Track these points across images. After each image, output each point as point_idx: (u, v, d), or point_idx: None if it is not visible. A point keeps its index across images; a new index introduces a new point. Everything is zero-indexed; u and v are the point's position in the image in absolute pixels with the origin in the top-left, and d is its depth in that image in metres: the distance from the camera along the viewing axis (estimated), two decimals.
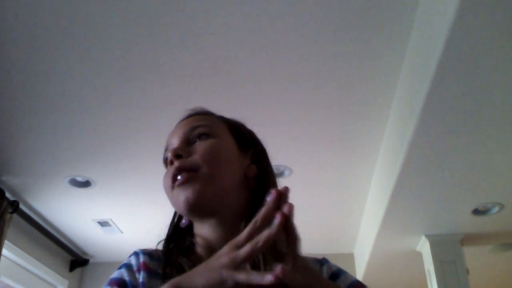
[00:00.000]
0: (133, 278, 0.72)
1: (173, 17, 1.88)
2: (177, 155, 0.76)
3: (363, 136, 2.61)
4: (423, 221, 2.87)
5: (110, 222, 3.50)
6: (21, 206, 3.09)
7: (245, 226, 0.66)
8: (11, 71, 2.14)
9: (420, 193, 2.53)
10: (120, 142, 2.64)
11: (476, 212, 2.74)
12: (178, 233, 0.83)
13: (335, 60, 2.09)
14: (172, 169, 0.76)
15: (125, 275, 0.72)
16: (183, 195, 0.73)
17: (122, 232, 3.67)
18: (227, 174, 0.77)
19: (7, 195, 2.92)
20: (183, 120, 0.88)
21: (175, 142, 0.81)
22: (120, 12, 1.86)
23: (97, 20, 1.89)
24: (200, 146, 0.78)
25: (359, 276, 3.82)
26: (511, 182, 2.45)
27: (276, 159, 2.81)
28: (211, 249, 0.71)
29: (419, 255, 3.16)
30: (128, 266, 0.74)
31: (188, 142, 0.80)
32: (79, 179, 2.96)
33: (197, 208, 0.74)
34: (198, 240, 0.78)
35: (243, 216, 0.74)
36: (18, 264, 3.32)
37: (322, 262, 0.83)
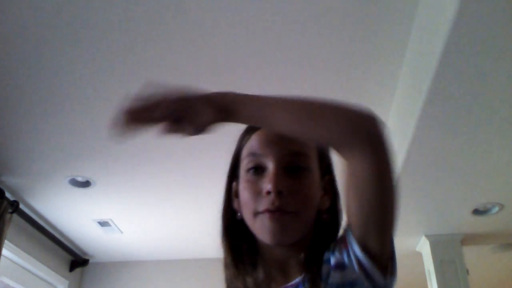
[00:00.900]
0: None
1: (174, 17, 1.88)
2: (280, 192, 0.72)
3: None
4: (423, 221, 2.87)
5: (110, 222, 3.50)
6: (21, 206, 3.09)
7: (303, 252, 0.74)
8: (11, 71, 2.14)
9: (420, 193, 2.53)
10: (120, 142, 2.64)
11: (476, 212, 2.74)
12: (235, 226, 0.81)
13: (335, 60, 2.09)
14: (266, 196, 0.73)
15: None
16: (271, 229, 0.72)
17: (122, 232, 3.67)
18: (311, 213, 0.77)
19: (7, 195, 2.92)
20: None
21: (271, 163, 0.75)
22: (121, 13, 1.86)
23: (97, 21, 1.89)
24: (300, 187, 0.75)
25: None
26: (511, 182, 2.45)
27: None
28: (275, 259, 0.77)
29: (419, 255, 3.16)
30: None
31: (286, 169, 0.75)
32: (79, 179, 2.96)
33: (280, 244, 0.75)
34: (264, 248, 0.78)
35: (304, 247, 0.76)
36: (18, 264, 3.32)
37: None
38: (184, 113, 0.71)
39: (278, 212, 0.72)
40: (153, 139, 2.68)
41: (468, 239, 3.04)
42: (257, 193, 0.74)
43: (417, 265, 3.20)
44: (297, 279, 0.73)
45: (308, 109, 0.68)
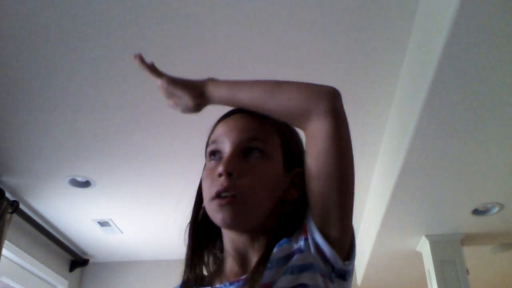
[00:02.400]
0: None
1: (174, 18, 1.88)
2: (229, 173, 0.74)
3: (363, 136, 2.60)
4: (423, 221, 2.87)
5: (110, 222, 3.50)
6: (21, 206, 3.09)
7: (268, 242, 0.75)
8: (11, 71, 2.14)
9: (420, 193, 2.53)
10: (120, 142, 2.64)
11: (476, 212, 2.74)
12: (202, 219, 0.84)
13: (335, 59, 2.09)
14: (218, 178, 0.75)
15: None
16: (221, 214, 0.74)
17: (122, 232, 3.67)
18: (266, 202, 0.77)
19: (7, 195, 2.92)
20: (240, 112, 0.83)
21: (227, 147, 0.78)
22: (121, 12, 1.86)
23: (98, 21, 1.89)
24: (253, 171, 0.76)
25: (359, 276, 3.82)
26: (511, 182, 2.45)
27: None
28: (236, 249, 0.79)
29: (419, 255, 3.16)
30: None
31: (242, 153, 0.77)
32: (79, 179, 2.96)
33: (231, 228, 0.78)
34: (226, 237, 0.81)
35: (264, 235, 0.77)
36: (18, 264, 3.32)
37: None
38: (172, 96, 0.89)
39: (226, 199, 0.74)
40: (153, 140, 2.68)
41: (468, 239, 3.04)
42: (213, 178, 0.76)
43: (417, 265, 3.20)
44: (244, 276, 0.73)
45: (274, 84, 0.78)
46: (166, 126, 2.51)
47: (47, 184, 3.00)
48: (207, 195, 0.77)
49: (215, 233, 0.83)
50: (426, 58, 1.79)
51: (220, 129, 0.82)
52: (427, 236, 3.00)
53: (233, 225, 0.76)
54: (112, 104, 2.35)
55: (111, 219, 3.47)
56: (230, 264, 0.78)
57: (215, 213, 0.75)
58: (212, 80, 0.84)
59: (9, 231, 2.94)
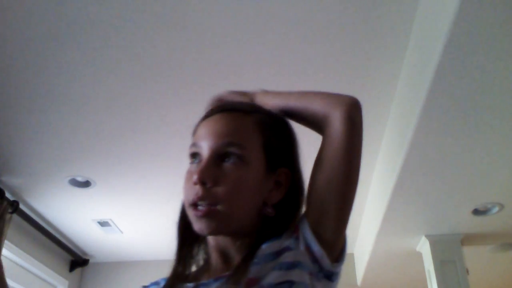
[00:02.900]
0: None
1: (175, 18, 1.88)
2: (203, 182, 0.74)
3: (363, 136, 2.60)
4: (423, 221, 2.87)
5: (110, 222, 3.50)
6: (21, 206, 3.09)
7: (249, 245, 0.75)
8: (12, 71, 2.14)
9: (420, 193, 2.53)
10: (120, 142, 2.64)
11: (476, 212, 2.74)
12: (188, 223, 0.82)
13: (335, 59, 2.09)
14: (194, 186, 0.75)
15: None
16: (198, 225, 0.75)
17: (122, 232, 3.67)
18: (244, 207, 0.76)
19: (7, 195, 2.92)
20: (219, 111, 0.82)
21: (205, 152, 0.77)
22: (122, 13, 1.86)
23: (99, 21, 1.89)
24: (229, 177, 0.74)
25: (359, 276, 3.82)
26: (511, 182, 2.45)
27: None
28: (218, 247, 0.79)
29: (419, 255, 3.16)
30: None
31: (218, 159, 0.76)
32: (79, 179, 2.96)
33: (210, 235, 0.79)
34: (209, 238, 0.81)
35: (246, 239, 0.77)
36: (18, 264, 3.32)
37: None
38: None
39: (203, 207, 0.74)
40: (153, 140, 2.69)
41: (468, 239, 3.04)
42: (191, 184, 0.76)
43: (417, 265, 3.20)
44: (228, 273, 0.73)
45: (306, 92, 0.87)
46: (167, 126, 2.51)
47: (47, 184, 3.00)
48: (185, 200, 0.78)
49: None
50: (426, 58, 1.79)
51: (200, 131, 0.81)
52: (427, 236, 3.00)
53: (211, 234, 0.77)
54: (112, 104, 2.35)
55: (111, 219, 3.47)
56: (215, 260, 0.79)
57: (193, 222, 0.76)
58: (263, 90, 0.93)
59: (9, 231, 2.94)
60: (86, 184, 3.00)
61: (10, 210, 2.94)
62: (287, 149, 0.84)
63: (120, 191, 3.11)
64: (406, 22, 1.90)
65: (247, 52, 2.06)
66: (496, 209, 2.70)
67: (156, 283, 0.86)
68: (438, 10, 1.64)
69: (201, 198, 0.73)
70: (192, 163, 0.80)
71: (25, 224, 3.23)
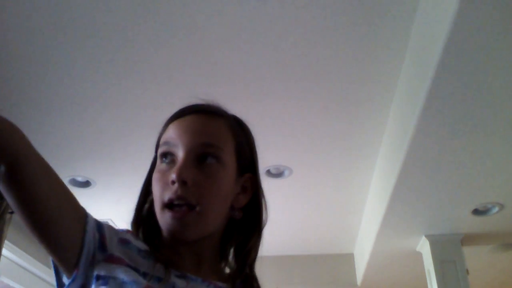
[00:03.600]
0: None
1: (173, 16, 1.88)
2: (183, 181, 0.71)
3: (363, 136, 2.60)
4: (423, 221, 2.87)
5: (110, 222, 3.50)
6: None
7: (213, 250, 0.76)
8: (10, 71, 2.14)
9: (420, 193, 2.53)
10: (120, 142, 2.64)
11: (476, 212, 2.74)
12: (144, 217, 0.80)
13: (335, 60, 2.09)
14: (171, 185, 0.72)
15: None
16: (172, 224, 0.72)
17: None
18: (219, 213, 0.76)
19: None
20: (195, 112, 0.80)
21: (181, 152, 0.74)
22: (119, 12, 1.86)
23: (96, 20, 1.89)
24: (207, 179, 0.73)
25: (359, 276, 3.82)
26: (511, 182, 2.45)
27: (276, 159, 2.83)
28: (173, 248, 0.75)
29: (419, 255, 3.16)
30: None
31: (196, 159, 0.74)
32: (79, 179, 2.96)
33: (179, 239, 0.74)
34: (165, 233, 0.77)
35: (214, 243, 0.78)
36: (18, 264, 3.32)
37: None
38: None
39: (180, 211, 0.71)
40: (153, 140, 2.67)
41: (468, 239, 3.04)
42: (165, 184, 0.73)
43: (417, 265, 3.20)
44: (223, 285, 0.74)
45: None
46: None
47: None
48: (158, 201, 0.74)
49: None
50: (426, 58, 1.79)
51: (173, 130, 0.78)
52: (427, 236, 3.00)
53: (182, 239, 0.74)
54: (112, 104, 2.35)
55: (111, 219, 3.46)
56: (183, 258, 0.75)
57: (166, 225, 0.73)
58: None
59: (9, 231, 2.94)
60: (86, 184, 3.00)
61: (10, 210, 2.93)
62: (252, 154, 0.83)
63: (120, 191, 3.11)
64: (406, 22, 1.90)
65: (247, 54, 2.06)
66: (496, 209, 2.70)
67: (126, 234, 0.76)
68: (438, 10, 1.64)
69: (180, 197, 0.71)
70: (162, 162, 0.77)
71: None
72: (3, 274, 3.13)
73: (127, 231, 0.74)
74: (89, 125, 2.49)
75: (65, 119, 2.44)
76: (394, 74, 2.17)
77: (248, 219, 0.79)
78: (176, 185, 0.71)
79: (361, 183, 3.07)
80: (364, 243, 3.57)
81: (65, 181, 2.95)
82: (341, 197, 3.24)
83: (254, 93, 2.29)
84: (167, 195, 0.72)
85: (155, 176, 0.77)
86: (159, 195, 0.74)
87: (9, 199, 0.62)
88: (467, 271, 2.91)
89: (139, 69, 2.14)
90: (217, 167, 0.75)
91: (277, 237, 3.47)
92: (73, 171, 2.87)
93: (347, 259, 4.04)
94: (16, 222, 3.10)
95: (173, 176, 0.71)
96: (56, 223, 0.64)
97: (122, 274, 0.65)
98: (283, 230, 3.45)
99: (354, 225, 3.65)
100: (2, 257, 2.87)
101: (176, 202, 0.71)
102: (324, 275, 3.86)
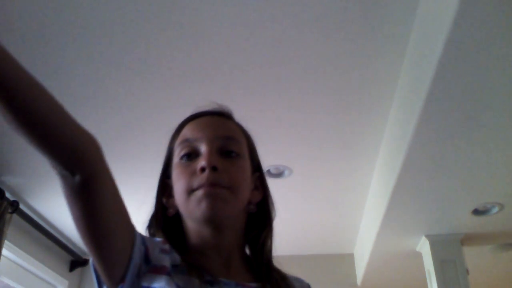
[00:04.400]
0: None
1: (174, 17, 1.88)
2: (214, 167, 0.74)
3: (363, 136, 2.60)
4: (423, 221, 2.87)
5: None
6: (21, 206, 3.09)
7: (237, 245, 0.78)
8: None
9: (420, 193, 2.53)
10: (120, 142, 2.64)
11: (476, 212, 2.74)
12: (167, 222, 0.82)
13: (335, 60, 2.09)
14: (199, 174, 0.74)
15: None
16: (207, 202, 0.72)
17: None
18: (244, 198, 0.79)
19: (7, 195, 2.92)
20: (209, 114, 0.84)
21: (203, 145, 0.77)
22: (121, 13, 1.86)
23: (98, 21, 1.89)
24: (234, 168, 0.77)
25: (359, 276, 3.82)
26: (511, 182, 2.45)
27: (276, 159, 2.83)
28: (200, 250, 0.77)
29: (419, 255, 3.16)
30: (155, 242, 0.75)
31: (219, 151, 0.77)
32: None
33: (214, 219, 0.75)
34: (192, 237, 0.78)
35: (239, 234, 0.80)
36: (18, 264, 3.32)
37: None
38: None
39: (213, 187, 0.73)
40: (153, 140, 2.68)
41: (468, 239, 3.04)
42: (191, 174, 0.75)
43: (417, 265, 3.20)
44: (253, 284, 0.75)
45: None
46: (167, 127, 2.51)
47: (47, 184, 3.00)
48: (185, 190, 0.75)
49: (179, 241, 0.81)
50: (426, 58, 1.79)
51: (191, 128, 0.82)
52: (427, 236, 3.00)
53: (216, 215, 0.74)
54: (112, 104, 2.35)
55: None
56: (212, 260, 0.76)
57: (199, 204, 0.73)
58: None
59: (9, 231, 2.94)
60: None
61: (10, 210, 2.93)
62: (258, 156, 0.88)
63: (120, 191, 3.11)
64: (406, 22, 1.90)
65: (247, 52, 2.06)
66: (496, 209, 2.70)
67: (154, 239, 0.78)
68: (438, 10, 1.64)
69: (212, 183, 0.73)
70: (181, 160, 0.79)
71: (25, 224, 3.23)
72: (3, 274, 3.13)
73: (163, 241, 0.75)
74: (89, 125, 2.47)
75: None
76: (394, 74, 2.17)
77: (259, 214, 0.83)
78: (206, 172, 0.73)
79: (361, 183, 3.07)
80: (364, 243, 3.57)
81: None
82: (341, 197, 3.24)
83: (253, 94, 2.29)
84: (197, 182, 0.74)
85: (176, 172, 0.79)
86: (185, 185, 0.75)
87: (73, 209, 0.64)
88: (467, 271, 2.91)
89: (140, 69, 2.14)
90: (239, 159, 0.79)
91: (277, 237, 3.46)
92: None
93: (347, 259, 4.04)
94: (16, 222, 3.10)
95: (202, 163, 0.73)
96: (112, 236, 0.65)
97: (164, 284, 0.66)
98: (283, 230, 3.43)
99: (354, 225, 3.65)
100: (2, 257, 2.87)
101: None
102: (324, 275, 3.86)
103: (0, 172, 2.84)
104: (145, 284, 0.67)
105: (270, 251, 0.82)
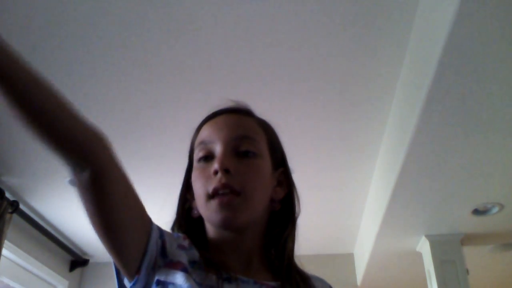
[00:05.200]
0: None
1: (171, 15, 1.88)
2: (226, 169, 0.74)
3: (363, 136, 2.60)
4: (423, 221, 2.87)
5: None
6: (21, 206, 3.09)
7: (259, 244, 0.78)
8: None
9: (420, 193, 2.53)
10: (119, 142, 2.64)
11: (476, 212, 2.74)
12: (190, 223, 0.82)
13: (335, 59, 2.09)
14: (213, 176, 0.74)
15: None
16: (222, 214, 0.73)
17: None
18: (262, 200, 0.78)
19: (7, 195, 2.92)
20: (226, 112, 0.83)
21: (218, 146, 0.77)
22: (118, 11, 1.86)
23: (95, 20, 1.89)
24: (248, 168, 0.76)
25: (359, 276, 3.82)
26: (511, 182, 2.45)
27: None
28: (221, 249, 0.77)
29: (419, 255, 3.16)
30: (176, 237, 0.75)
31: (234, 151, 0.77)
32: None
33: (230, 228, 0.76)
34: (212, 236, 0.79)
35: (261, 233, 0.80)
36: (18, 264, 3.32)
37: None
38: None
39: (227, 195, 0.73)
40: (153, 139, 2.68)
41: (468, 239, 3.04)
42: (207, 177, 0.75)
43: (417, 265, 3.20)
44: (272, 283, 0.74)
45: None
46: (166, 126, 2.51)
47: (47, 184, 3.00)
48: (202, 195, 0.76)
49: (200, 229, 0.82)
50: (426, 57, 1.79)
51: (207, 129, 0.81)
52: (427, 236, 3.00)
53: (233, 225, 0.75)
54: (112, 104, 2.35)
55: None
56: (232, 259, 0.76)
57: (214, 214, 0.74)
58: None
59: (9, 231, 2.94)
60: None
61: (10, 210, 2.93)
62: (282, 150, 0.87)
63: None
64: (406, 22, 1.90)
65: (247, 54, 2.06)
66: (496, 209, 2.70)
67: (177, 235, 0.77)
68: (438, 10, 1.64)
69: (224, 185, 0.73)
70: (199, 162, 0.79)
71: (25, 224, 3.23)
72: (3, 274, 3.13)
73: (184, 237, 0.75)
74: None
75: None
76: (394, 74, 2.17)
77: (282, 211, 0.82)
78: (219, 175, 0.73)
79: (361, 183, 3.07)
80: (364, 243, 3.57)
81: (65, 181, 2.95)
82: (341, 197, 3.24)
83: (252, 94, 2.29)
84: (211, 186, 0.74)
85: (194, 175, 0.79)
86: (202, 188, 0.76)
87: (85, 204, 0.64)
88: (467, 271, 2.91)
89: (140, 70, 2.14)
90: (255, 158, 0.78)
91: None
92: None
93: (347, 259, 4.04)
94: (16, 222, 3.10)
95: (215, 166, 0.74)
96: (126, 230, 0.66)
97: (181, 280, 0.67)
98: None
99: (354, 225, 3.65)
100: (2, 257, 2.87)
101: (221, 192, 0.73)
102: (324, 275, 3.83)
103: (0, 172, 2.84)
104: (161, 278, 0.68)
105: (291, 250, 0.81)
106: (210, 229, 0.79)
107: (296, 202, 0.84)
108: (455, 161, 2.24)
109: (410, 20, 1.89)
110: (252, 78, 2.20)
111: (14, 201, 2.98)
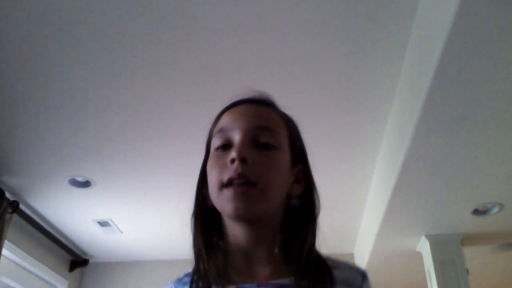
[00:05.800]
0: None
1: (174, 17, 1.88)
2: (243, 159, 0.71)
3: (363, 135, 2.60)
4: (423, 221, 2.87)
5: (110, 222, 3.50)
6: (21, 206, 3.09)
7: (277, 240, 0.75)
8: (12, 71, 2.14)
9: (420, 193, 2.53)
10: (120, 142, 2.64)
11: (476, 212, 2.74)
12: (206, 213, 0.79)
13: (335, 59, 2.09)
14: (230, 165, 0.72)
15: None
16: (235, 204, 0.71)
17: (122, 232, 3.67)
18: (277, 194, 0.75)
19: (7, 195, 2.92)
20: (248, 102, 0.81)
21: (237, 134, 0.75)
22: (121, 13, 1.86)
23: (97, 21, 1.89)
24: (266, 160, 0.73)
25: None
26: (511, 182, 2.45)
27: None
28: (240, 246, 0.75)
29: (419, 255, 3.16)
30: None
31: (253, 141, 0.74)
32: (79, 179, 2.96)
33: (243, 219, 0.74)
34: (229, 233, 0.77)
35: (277, 229, 0.76)
36: (18, 264, 3.32)
37: (363, 276, 0.85)
38: None
39: (241, 187, 0.70)
40: (153, 140, 2.68)
41: (468, 239, 3.04)
42: (222, 166, 0.73)
43: (417, 265, 3.20)
44: (284, 280, 0.72)
45: None
46: (167, 126, 2.51)
47: (47, 184, 3.00)
48: (216, 184, 0.73)
49: (217, 225, 0.80)
50: (426, 58, 1.79)
51: (227, 117, 0.79)
52: (427, 236, 3.00)
53: (245, 216, 0.72)
54: (112, 104, 2.35)
55: (111, 219, 3.47)
56: (236, 261, 0.75)
57: (227, 203, 0.71)
58: None
59: (9, 231, 2.94)
60: (86, 184, 3.00)
61: (10, 210, 2.93)
62: (302, 146, 0.84)
63: (120, 191, 3.11)
64: (406, 22, 1.90)
65: (248, 52, 2.06)
66: (496, 209, 2.70)
67: (182, 283, 0.78)
68: (438, 10, 1.64)
69: (240, 175, 0.70)
70: (217, 150, 0.76)
71: (25, 224, 3.23)
72: (3, 274, 3.13)
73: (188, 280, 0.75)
74: (89, 125, 2.49)
75: (65, 119, 2.44)
76: (394, 73, 2.17)
77: (301, 209, 0.79)
78: (235, 163, 0.71)
79: (361, 183, 3.07)
80: (364, 243, 3.57)
81: (65, 181, 2.95)
82: (341, 197, 3.24)
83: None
84: (226, 175, 0.72)
85: (210, 163, 0.77)
86: (217, 177, 0.73)
87: None
88: (467, 271, 2.91)
89: (140, 70, 2.14)
90: (274, 151, 0.75)
91: None
92: (73, 171, 2.87)
93: (347, 259, 4.01)
94: (16, 222, 3.10)
95: (233, 154, 0.71)
96: None
97: None
98: None
99: (354, 225, 3.65)
100: (2, 257, 2.87)
101: (236, 181, 0.71)
102: None
103: (0, 172, 2.84)
104: None
105: (311, 245, 0.79)
106: (225, 221, 0.77)
107: (316, 198, 0.82)
108: (455, 161, 2.24)
109: (410, 20, 1.89)
110: (251, 78, 2.19)
111: (14, 201, 2.98)
